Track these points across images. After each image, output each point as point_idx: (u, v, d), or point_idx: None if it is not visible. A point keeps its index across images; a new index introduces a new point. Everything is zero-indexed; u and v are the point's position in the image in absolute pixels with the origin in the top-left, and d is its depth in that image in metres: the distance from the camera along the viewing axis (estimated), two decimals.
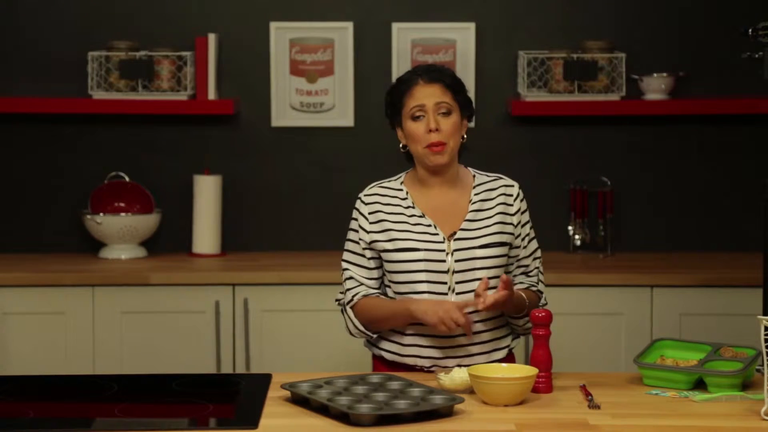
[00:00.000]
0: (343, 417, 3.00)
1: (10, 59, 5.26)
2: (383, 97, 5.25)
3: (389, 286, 3.58)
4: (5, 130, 5.28)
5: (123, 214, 5.17)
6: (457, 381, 3.24)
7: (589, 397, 3.20)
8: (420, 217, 3.54)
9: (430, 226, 3.53)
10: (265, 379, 3.41)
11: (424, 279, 3.50)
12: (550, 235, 5.05)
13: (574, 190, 5.28)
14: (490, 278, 3.48)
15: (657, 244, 5.31)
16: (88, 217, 5.13)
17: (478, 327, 3.52)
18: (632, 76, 5.20)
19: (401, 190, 3.59)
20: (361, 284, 3.58)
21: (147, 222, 5.17)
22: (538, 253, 3.66)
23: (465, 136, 3.57)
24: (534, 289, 3.61)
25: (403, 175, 3.64)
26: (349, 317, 3.59)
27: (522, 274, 3.63)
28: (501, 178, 3.63)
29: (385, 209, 3.57)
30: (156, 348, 4.81)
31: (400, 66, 5.24)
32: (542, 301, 3.62)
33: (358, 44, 5.28)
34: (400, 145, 3.59)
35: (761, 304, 3.75)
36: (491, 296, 3.38)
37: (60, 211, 5.29)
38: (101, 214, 5.14)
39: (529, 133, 5.32)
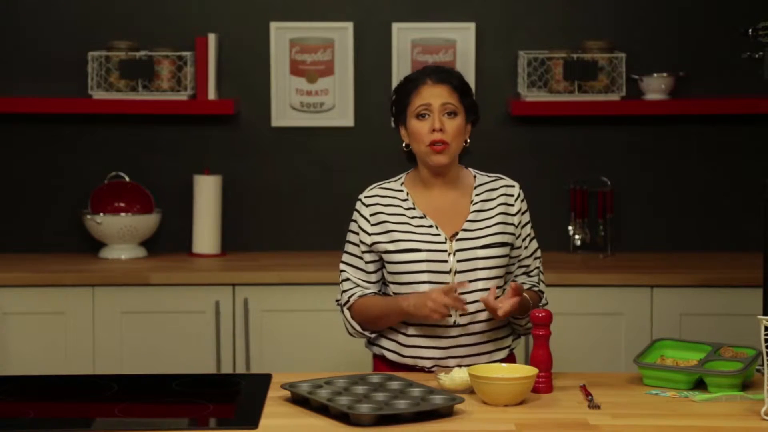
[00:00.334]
0: (343, 417, 3.00)
1: (10, 59, 5.26)
2: (383, 97, 5.29)
3: (390, 287, 3.58)
4: (5, 130, 5.28)
5: (123, 214, 5.17)
6: (457, 381, 3.24)
7: (589, 397, 3.20)
8: (421, 218, 3.55)
9: (431, 226, 3.53)
10: (265, 379, 3.41)
11: (426, 280, 3.50)
12: (550, 235, 5.05)
13: (574, 190, 5.28)
14: (491, 278, 3.49)
15: (657, 244, 5.31)
16: (88, 217, 5.14)
17: (479, 327, 3.52)
18: (632, 76, 5.21)
19: (401, 191, 3.59)
20: (358, 285, 3.59)
21: (147, 222, 5.17)
22: (539, 253, 3.66)
23: (468, 140, 3.57)
24: (535, 289, 3.61)
25: (403, 176, 3.64)
26: (347, 318, 3.60)
27: (523, 274, 3.63)
28: (502, 178, 3.63)
29: (386, 210, 3.57)
30: (156, 348, 4.81)
31: (400, 66, 5.24)
32: (543, 301, 3.62)
33: (358, 44, 5.28)
34: (403, 144, 3.59)
35: (761, 304, 3.75)
36: (508, 303, 3.38)
37: (60, 211, 5.29)
38: (101, 214, 5.14)
39: (529, 133, 5.32)
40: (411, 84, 3.55)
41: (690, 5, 5.27)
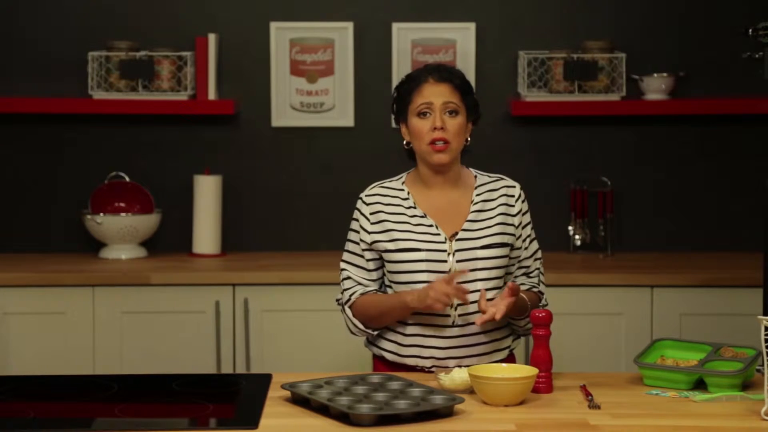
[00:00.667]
0: (344, 417, 3.00)
1: (10, 59, 5.26)
2: (383, 97, 5.29)
3: (390, 286, 3.58)
4: (5, 130, 5.28)
5: (123, 214, 5.17)
6: (457, 381, 3.24)
7: (589, 397, 3.20)
8: (421, 217, 3.55)
9: (431, 226, 3.53)
10: (265, 379, 3.41)
11: (425, 279, 3.50)
12: (550, 235, 5.05)
13: (574, 190, 5.28)
14: (490, 279, 3.49)
15: (657, 244, 5.31)
16: (88, 217, 5.14)
17: (479, 328, 3.51)
18: (632, 76, 5.21)
19: (402, 190, 3.59)
20: (359, 284, 3.59)
21: (147, 222, 5.17)
22: (539, 254, 3.66)
23: (469, 139, 3.57)
24: (535, 290, 3.61)
25: (404, 175, 3.64)
26: (348, 317, 3.60)
27: (523, 274, 3.63)
28: (503, 178, 3.63)
29: (387, 209, 3.57)
30: (156, 348, 4.81)
31: (400, 66, 5.24)
32: (543, 301, 3.62)
33: (358, 44, 5.28)
34: (404, 142, 3.59)
35: (761, 304, 3.75)
36: (503, 304, 3.38)
37: (60, 211, 5.29)
38: (101, 214, 5.14)
39: (529, 133, 5.32)
40: (413, 82, 3.55)
41: (690, 5, 5.27)
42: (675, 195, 5.33)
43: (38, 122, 5.26)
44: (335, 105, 5.31)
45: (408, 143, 3.58)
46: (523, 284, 3.60)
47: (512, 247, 3.58)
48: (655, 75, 5.19)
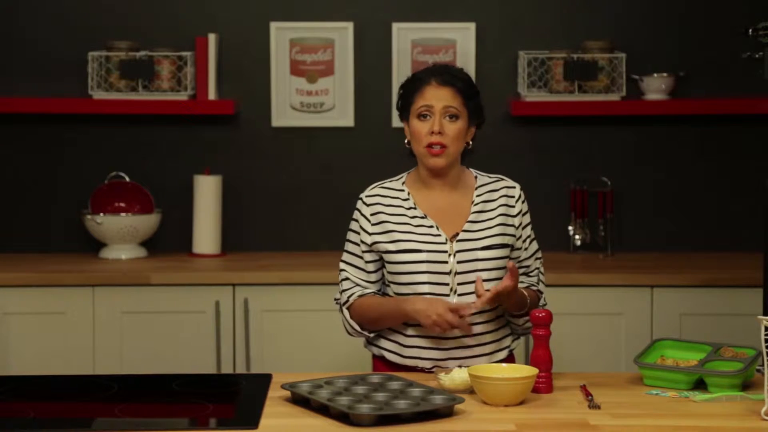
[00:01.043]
0: (344, 417, 3.00)
1: (10, 59, 5.26)
2: (383, 97, 5.30)
3: (390, 287, 3.58)
4: (5, 130, 5.28)
5: (123, 214, 5.17)
6: (457, 381, 3.24)
7: (590, 397, 3.20)
8: (422, 218, 3.55)
9: (432, 227, 3.53)
10: (265, 379, 3.41)
11: (425, 280, 3.50)
12: (550, 235, 5.05)
13: (574, 190, 5.28)
14: (490, 280, 3.49)
15: (657, 244, 5.31)
16: (88, 217, 5.13)
17: (479, 329, 3.52)
18: (632, 76, 5.21)
19: (403, 190, 3.59)
20: (357, 285, 3.59)
21: (147, 222, 5.17)
22: (539, 254, 3.66)
23: (470, 142, 3.57)
24: (534, 288, 3.61)
25: (404, 175, 3.64)
26: (345, 318, 3.60)
27: (523, 274, 3.63)
28: (503, 179, 3.63)
29: (387, 210, 3.57)
30: (156, 348, 4.81)
31: (400, 66, 5.24)
32: (542, 301, 3.62)
33: (358, 44, 5.28)
34: (405, 141, 3.59)
35: (761, 304, 3.75)
36: (493, 288, 3.39)
37: (60, 211, 5.29)
38: (101, 214, 5.14)
39: (529, 133, 5.32)
40: (416, 83, 3.54)
41: (690, 5, 5.27)
42: (675, 195, 5.33)
43: (38, 122, 5.26)
44: (335, 105, 5.31)
45: (408, 142, 3.58)
46: (522, 283, 3.60)
47: (512, 247, 3.58)
48: (655, 75, 5.20)
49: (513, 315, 3.56)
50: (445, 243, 3.51)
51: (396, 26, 5.27)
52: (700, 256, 5.21)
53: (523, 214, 3.61)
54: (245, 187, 5.31)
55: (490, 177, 3.63)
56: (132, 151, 5.30)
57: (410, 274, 3.51)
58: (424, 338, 3.52)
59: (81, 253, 5.24)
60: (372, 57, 5.30)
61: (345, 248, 3.63)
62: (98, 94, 5.14)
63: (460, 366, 3.37)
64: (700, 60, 5.27)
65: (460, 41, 5.27)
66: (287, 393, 3.20)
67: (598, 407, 3.13)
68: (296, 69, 5.30)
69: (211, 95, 5.16)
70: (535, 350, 3.31)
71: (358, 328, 3.58)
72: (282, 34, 5.29)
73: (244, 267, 4.97)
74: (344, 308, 3.60)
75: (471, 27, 5.27)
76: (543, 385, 3.27)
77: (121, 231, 5.11)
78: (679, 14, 5.28)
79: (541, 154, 5.31)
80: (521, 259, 3.61)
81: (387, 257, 3.54)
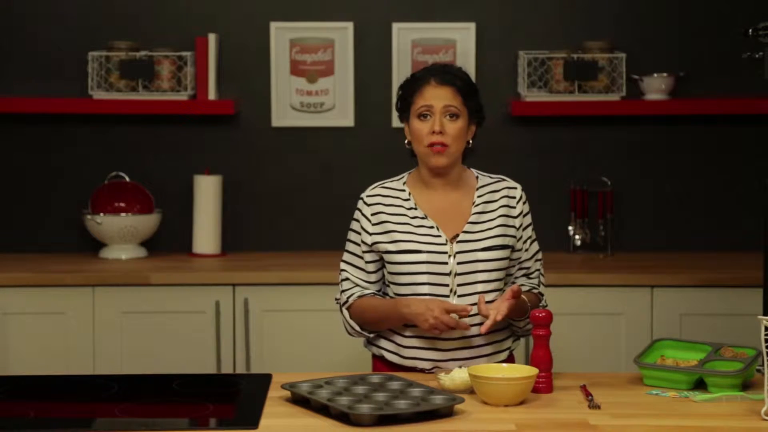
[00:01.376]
0: (344, 417, 3.00)
1: (10, 59, 5.26)
2: (383, 97, 5.30)
3: (390, 287, 3.58)
4: (5, 130, 5.28)
5: (123, 214, 5.17)
6: (458, 381, 3.24)
7: (590, 397, 3.20)
8: (423, 218, 3.54)
9: (432, 227, 3.53)
10: (265, 379, 3.41)
11: (425, 281, 3.50)
12: (550, 235, 5.05)
13: (574, 190, 5.28)
14: (490, 281, 3.49)
15: (657, 244, 5.31)
16: (88, 217, 5.13)
17: (479, 329, 3.51)
18: (632, 76, 5.21)
19: (404, 190, 3.59)
20: (357, 285, 3.59)
21: (147, 222, 5.17)
22: (540, 255, 3.66)
23: (471, 141, 3.57)
24: (535, 291, 3.60)
25: (405, 175, 3.64)
26: (345, 318, 3.60)
27: (523, 276, 3.63)
28: (504, 179, 3.63)
29: (388, 210, 3.57)
30: (156, 348, 4.81)
31: (400, 66, 5.24)
32: (542, 303, 3.62)
33: (358, 44, 5.28)
34: (406, 141, 3.59)
35: (761, 304, 3.75)
36: (504, 306, 3.38)
37: (60, 211, 5.29)
38: (101, 214, 5.14)
39: (529, 133, 5.32)
40: (416, 83, 3.54)
41: (690, 5, 5.27)
42: (675, 195, 5.33)
43: (38, 122, 5.26)
44: (335, 105, 5.31)
45: (409, 142, 3.58)
46: (523, 285, 3.60)
47: (513, 248, 3.57)
48: (655, 75, 5.20)
49: (513, 319, 3.56)
50: (445, 244, 3.51)
51: (396, 26, 5.27)
52: (700, 256, 5.21)
53: (524, 215, 3.61)
54: (245, 187, 5.31)
55: (491, 177, 3.63)
56: (132, 151, 5.30)
57: (410, 275, 3.51)
58: (423, 339, 3.52)
59: (81, 253, 5.24)
60: (372, 57, 5.30)
61: (345, 248, 3.63)
62: (98, 94, 5.14)
63: (459, 366, 3.38)
64: (700, 60, 5.27)
65: (460, 41, 5.27)
66: (287, 393, 3.20)
67: (598, 407, 3.13)
68: (296, 69, 5.30)
69: (211, 95, 5.16)
70: (535, 350, 3.31)
71: (358, 328, 3.58)
72: (282, 34, 5.29)
73: (244, 267, 4.97)
74: (344, 308, 3.60)
75: (471, 27, 5.27)
76: (543, 385, 3.27)
77: (121, 231, 5.11)
78: (679, 14, 5.28)
79: (541, 154, 5.31)
80: (522, 260, 3.61)
81: (387, 257, 3.54)
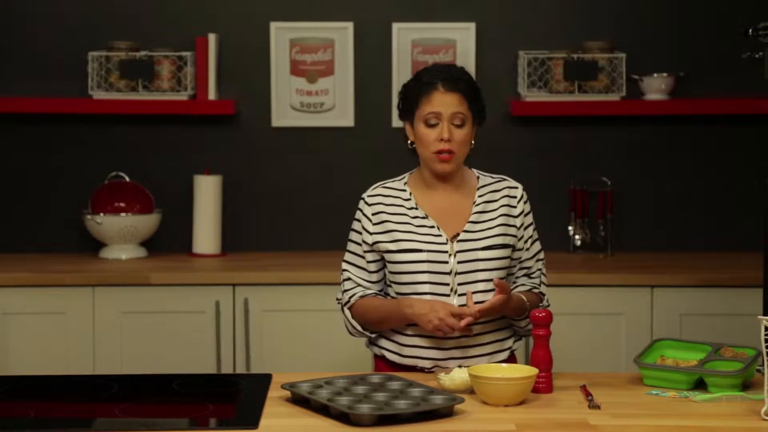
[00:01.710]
0: (344, 417, 3.00)
1: (10, 59, 5.26)
2: (383, 97, 5.30)
3: (391, 286, 3.58)
4: (5, 130, 5.28)
5: (123, 214, 5.17)
6: (458, 381, 3.24)
7: (590, 397, 3.20)
8: (423, 218, 3.54)
9: (433, 227, 3.53)
10: (265, 379, 3.41)
11: (426, 280, 3.50)
12: (550, 235, 5.04)
13: (574, 190, 5.28)
14: (491, 280, 3.49)
15: (657, 244, 5.31)
16: (88, 217, 5.13)
17: (480, 328, 3.52)
18: (632, 76, 5.21)
19: (405, 190, 3.59)
20: (359, 285, 3.59)
21: (147, 222, 5.17)
22: (541, 255, 3.66)
23: (473, 142, 3.56)
24: (536, 291, 3.60)
25: (406, 175, 3.64)
26: (347, 318, 3.60)
27: (524, 275, 3.63)
28: (505, 179, 3.63)
29: (389, 210, 3.57)
30: (156, 348, 4.81)
31: (400, 66, 5.24)
32: (543, 302, 3.62)
33: (358, 44, 5.28)
34: (408, 142, 3.58)
35: (761, 304, 3.75)
36: (487, 302, 3.39)
37: (60, 211, 5.29)
38: (101, 214, 5.14)
39: (529, 133, 5.32)
40: (423, 88, 3.51)
41: (690, 5, 5.27)
42: (675, 195, 5.33)
43: (38, 122, 5.26)
44: (335, 105, 5.31)
45: (412, 143, 3.57)
46: (523, 285, 3.60)
47: (514, 248, 3.57)
48: (655, 75, 5.20)
49: (514, 319, 3.56)
50: (445, 243, 3.51)
51: (396, 26, 5.27)
52: (700, 256, 5.21)
53: (525, 215, 3.61)
54: (245, 187, 5.31)
55: (492, 177, 3.63)
56: (132, 151, 5.30)
57: (411, 274, 3.51)
58: (424, 338, 3.52)
59: (81, 253, 5.24)
60: (372, 57, 5.30)
61: (347, 248, 3.63)
62: (98, 94, 5.14)
63: (460, 366, 3.38)
64: (699, 60, 5.27)
65: (460, 41, 5.27)
66: (287, 393, 3.20)
67: (598, 407, 3.13)
68: (296, 69, 5.30)
69: (211, 95, 5.16)
70: (535, 350, 3.31)
71: (359, 328, 3.58)
72: (282, 34, 5.29)
73: (244, 267, 4.97)
74: (345, 308, 3.60)
75: (471, 27, 5.27)
76: (543, 385, 3.27)
77: (121, 231, 5.11)
78: (679, 14, 5.28)
79: (541, 154, 5.31)
80: (522, 259, 3.61)
81: (388, 257, 3.54)
